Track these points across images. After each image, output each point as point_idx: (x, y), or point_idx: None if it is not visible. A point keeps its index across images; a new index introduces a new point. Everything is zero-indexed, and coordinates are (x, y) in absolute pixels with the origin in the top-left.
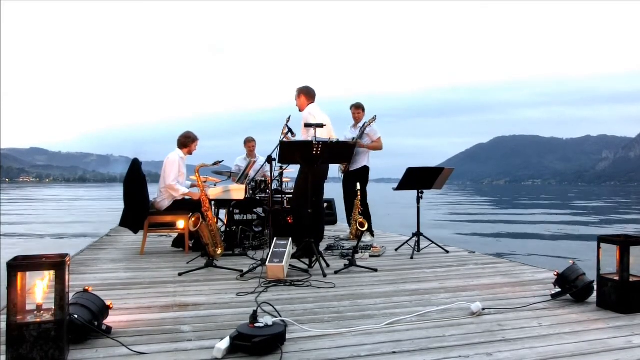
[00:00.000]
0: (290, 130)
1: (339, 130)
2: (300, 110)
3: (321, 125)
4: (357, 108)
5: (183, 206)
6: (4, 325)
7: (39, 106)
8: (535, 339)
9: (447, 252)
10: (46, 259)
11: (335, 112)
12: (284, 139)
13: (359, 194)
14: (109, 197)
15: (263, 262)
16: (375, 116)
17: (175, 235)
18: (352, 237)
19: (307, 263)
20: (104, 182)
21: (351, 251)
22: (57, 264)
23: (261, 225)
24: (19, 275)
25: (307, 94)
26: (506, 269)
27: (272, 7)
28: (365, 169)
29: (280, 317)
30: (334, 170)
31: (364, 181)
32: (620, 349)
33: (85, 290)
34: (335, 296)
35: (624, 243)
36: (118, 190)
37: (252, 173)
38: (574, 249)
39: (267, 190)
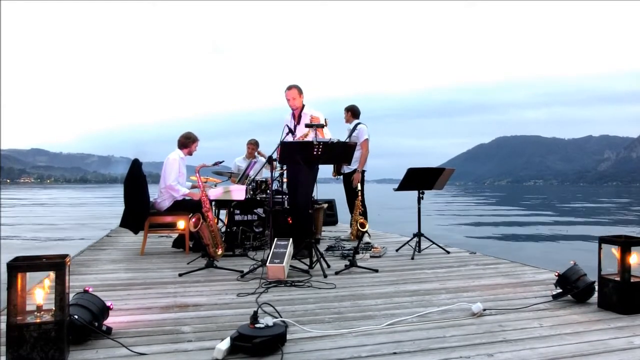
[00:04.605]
0: (290, 130)
1: (335, 130)
2: (294, 109)
3: (322, 126)
4: (345, 110)
5: (183, 207)
6: (4, 325)
7: (40, 107)
8: (537, 339)
9: (448, 252)
10: (46, 260)
11: (334, 113)
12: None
13: (359, 194)
14: (110, 200)
15: (263, 262)
16: (326, 119)
17: (175, 235)
18: (352, 237)
19: (308, 263)
20: (105, 183)
21: (352, 252)
22: (57, 265)
23: (262, 226)
24: (19, 275)
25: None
26: (507, 270)
27: (272, 7)
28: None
29: (281, 317)
30: (326, 172)
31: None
32: (621, 350)
33: (86, 291)
34: (335, 297)
35: (625, 243)
36: (118, 191)
37: (252, 173)
38: (575, 249)
39: (268, 191)
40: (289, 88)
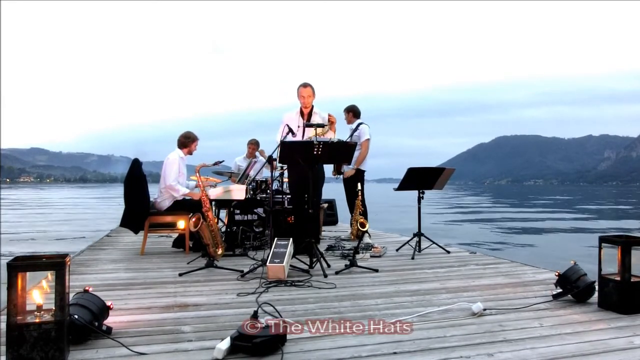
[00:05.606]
0: (290, 130)
1: (336, 130)
2: (306, 107)
3: (322, 125)
4: (345, 111)
5: (183, 206)
6: (4, 325)
7: (40, 106)
8: (537, 339)
9: (448, 252)
10: (46, 259)
11: (334, 112)
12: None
13: (359, 194)
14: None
15: (264, 262)
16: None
17: (175, 235)
18: (353, 237)
19: (308, 263)
20: (105, 182)
21: (352, 251)
22: (58, 264)
23: (262, 226)
24: (19, 275)
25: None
26: (507, 270)
27: (272, 7)
28: (358, 172)
29: (281, 317)
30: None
31: (356, 183)
32: (621, 350)
33: (86, 291)
34: (336, 296)
35: (625, 243)
36: (118, 191)
37: (252, 173)
38: (575, 249)
39: (268, 191)
40: (305, 85)
